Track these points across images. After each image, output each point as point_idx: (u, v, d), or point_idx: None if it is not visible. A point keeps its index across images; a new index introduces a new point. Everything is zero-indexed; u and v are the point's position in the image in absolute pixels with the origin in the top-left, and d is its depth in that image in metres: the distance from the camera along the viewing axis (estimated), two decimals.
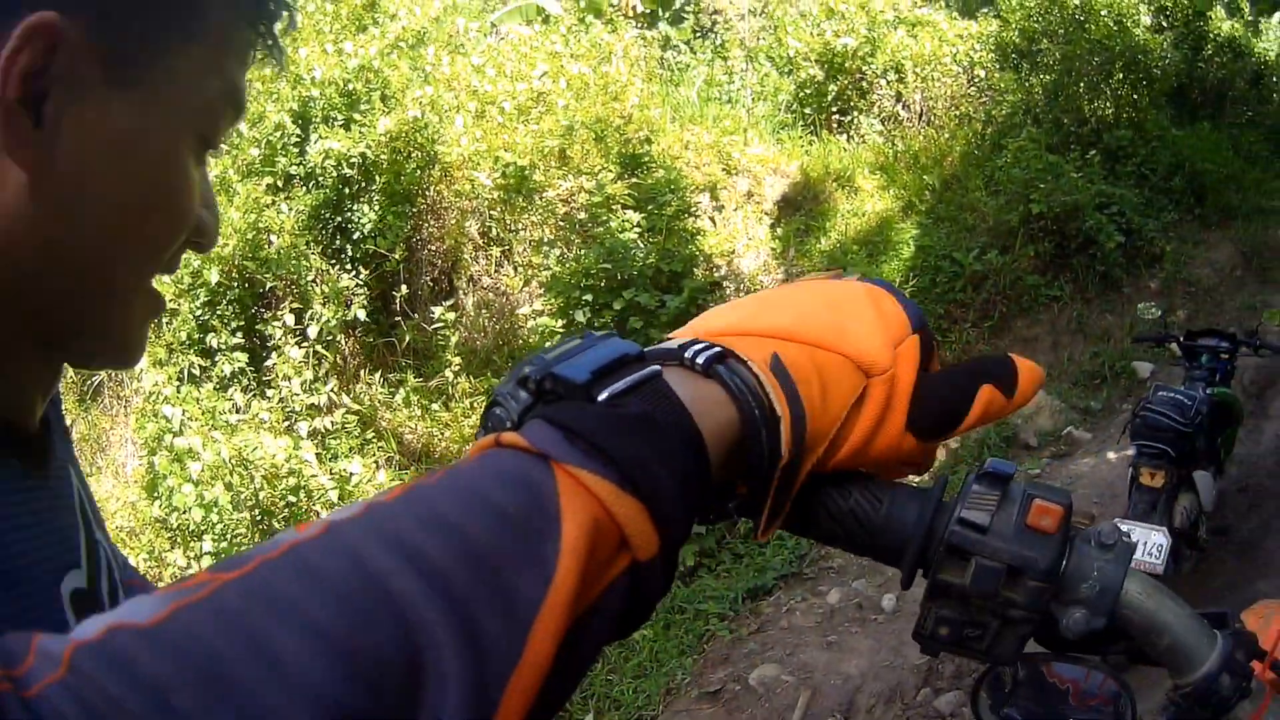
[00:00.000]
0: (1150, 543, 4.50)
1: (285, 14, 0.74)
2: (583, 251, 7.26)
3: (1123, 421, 5.35)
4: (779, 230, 8.71)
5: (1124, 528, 4.22)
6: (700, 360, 0.62)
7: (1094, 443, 7.88)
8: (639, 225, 7.54)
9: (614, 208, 7.64)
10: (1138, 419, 5.05)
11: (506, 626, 0.44)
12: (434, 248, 7.93)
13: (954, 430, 0.74)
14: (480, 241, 7.60)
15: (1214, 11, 14.17)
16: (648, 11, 13.73)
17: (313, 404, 6.72)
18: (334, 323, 7.00)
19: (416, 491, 0.47)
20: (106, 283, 0.68)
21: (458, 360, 7.05)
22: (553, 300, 7.02)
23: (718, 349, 0.62)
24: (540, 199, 7.64)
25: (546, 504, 0.48)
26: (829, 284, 0.74)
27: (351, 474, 6.24)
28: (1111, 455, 7.25)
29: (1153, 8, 13.39)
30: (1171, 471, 4.89)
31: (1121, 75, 11.68)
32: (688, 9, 14.25)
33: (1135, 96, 11.83)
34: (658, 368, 0.58)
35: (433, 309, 7.18)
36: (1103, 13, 11.77)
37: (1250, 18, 13.89)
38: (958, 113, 11.41)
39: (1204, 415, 5.14)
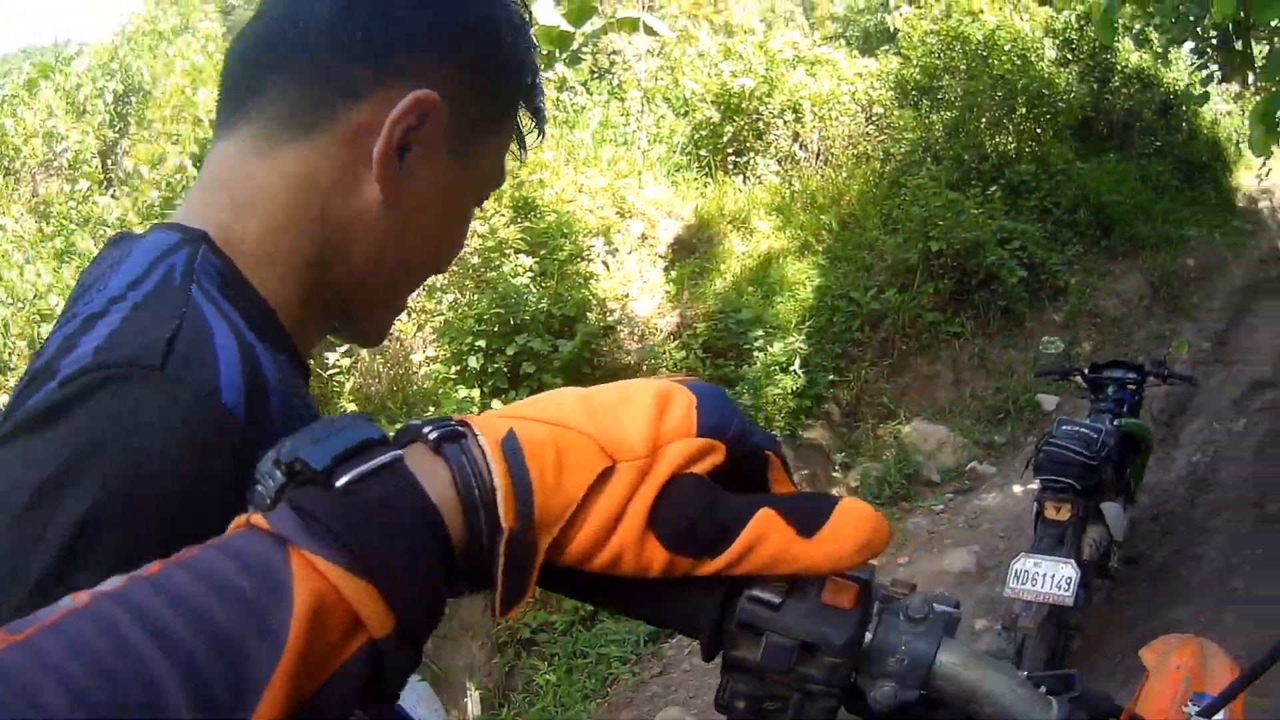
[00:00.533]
0: (1059, 576, 4.61)
1: (540, 124, 1.11)
2: (476, 297, 7.36)
3: (1027, 455, 5.51)
4: (673, 273, 8.87)
5: (1030, 562, 4.39)
6: (432, 438, 0.65)
7: (999, 477, 8.08)
8: (531, 270, 7.66)
9: (506, 252, 7.78)
10: (1040, 453, 5.15)
11: (237, 696, 0.49)
12: None
13: (716, 552, 0.68)
14: None
15: (1122, 43, 14.57)
16: (546, 52, 14.07)
17: None
18: None
19: (167, 571, 0.52)
20: (399, 288, 1.06)
21: (353, 406, 7.09)
22: (446, 346, 7.12)
23: (451, 427, 0.66)
24: None
25: (279, 586, 0.53)
26: (634, 381, 0.74)
27: None
28: (1017, 489, 7.50)
29: (1058, 41, 13.85)
30: (1078, 504, 5.01)
31: (1025, 110, 12.07)
32: (585, 50, 14.55)
33: (1039, 130, 12.25)
34: (399, 453, 0.62)
35: (328, 355, 7.23)
36: (1006, 47, 12.14)
37: (1160, 49, 14.26)
38: (855, 152, 11.61)
39: (1111, 447, 5.27)
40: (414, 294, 1.21)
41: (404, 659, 0.60)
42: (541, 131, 1.10)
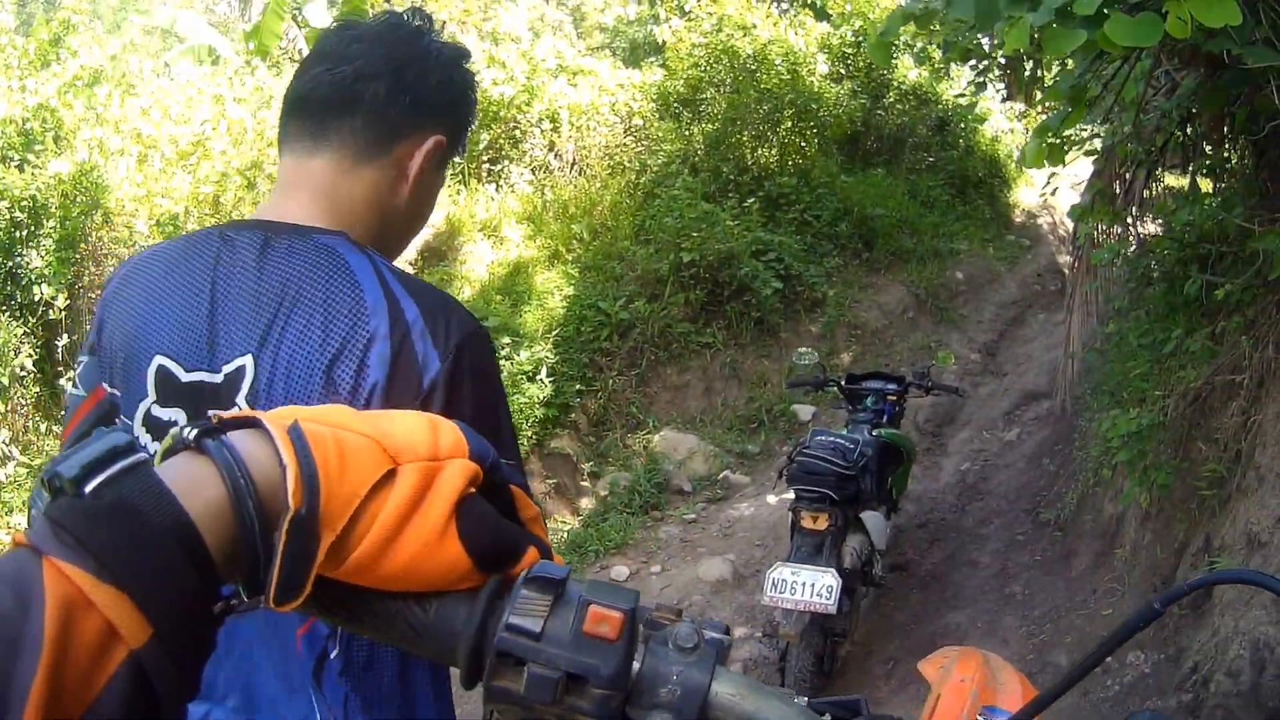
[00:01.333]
0: (819, 584, 4.74)
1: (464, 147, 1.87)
2: None
3: (781, 465, 5.58)
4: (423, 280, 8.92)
5: (788, 571, 4.75)
6: (192, 437, 0.71)
7: (753, 486, 8.41)
8: None
9: None
10: (794, 463, 5.29)
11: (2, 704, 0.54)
12: (94, 295, 7.88)
13: (505, 568, 0.81)
14: None
15: (900, 60, 15.22)
16: None
17: None
18: (4, 373, 7.09)
19: None
20: (401, 249, 1.84)
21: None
22: None
23: (211, 424, 0.73)
24: None
25: (30, 595, 0.58)
26: (412, 410, 0.87)
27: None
28: (771, 499, 7.78)
29: (832, 57, 14.36)
30: (836, 513, 5.13)
31: (791, 123, 12.59)
32: None
33: (804, 144, 12.77)
34: (143, 456, 0.66)
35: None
36: (777, 62, 12.70)
37: (940, 65, 14.91)
38: (612, 162, 11.96)
39: (869, 457, 5.47)
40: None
41: (173, 674, 0.64)
42: (464, 150, 1.89)
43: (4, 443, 6.96)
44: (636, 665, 0.78)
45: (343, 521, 0.72)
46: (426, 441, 0.80)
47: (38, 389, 7.51)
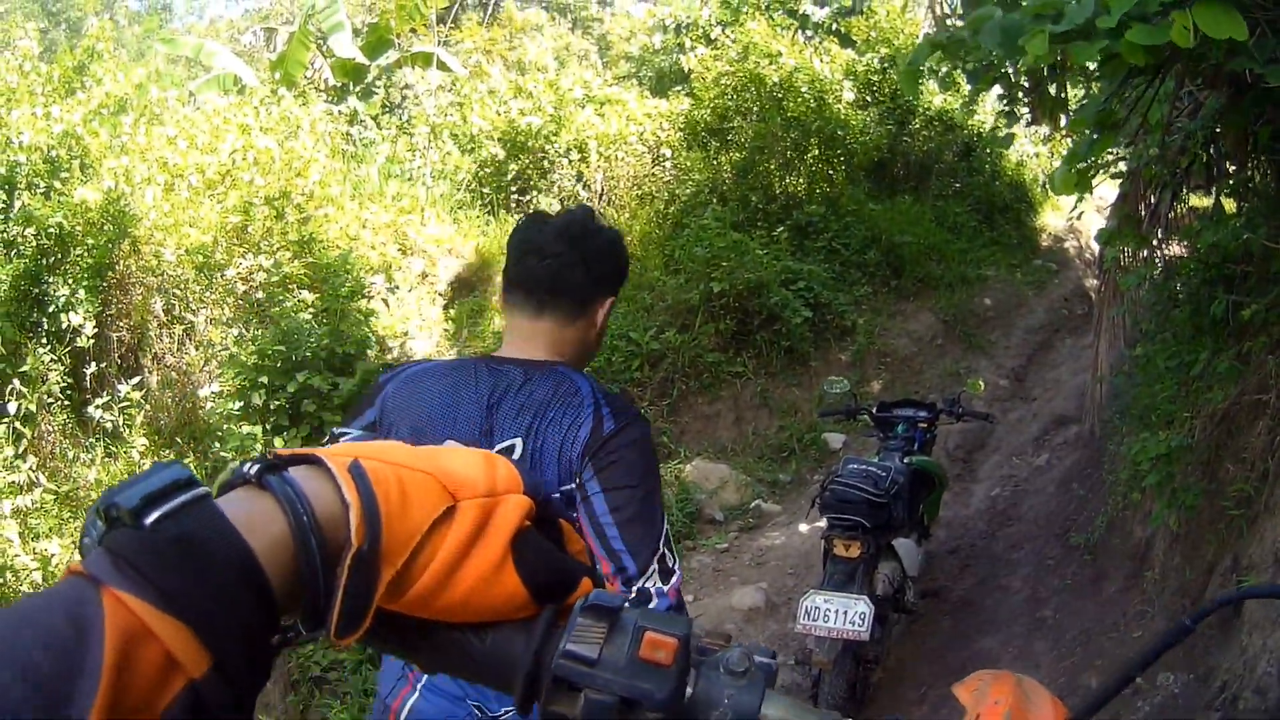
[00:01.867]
0: (852, 611, 4.76)
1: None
2: (260, 332, 7.46)
3: (813, 493, 5.60)
4: (452, 311, 9.12)
5: (821, 599, 4.79)
6: (253, 473, 0.72)
7: (784, 515, 8.39)
8: (313, 306, 7.81)
9: (290, 287, 7.90)
10: (827, 492, 5.32)
11: None
12: (122, 324, 8.05)
13: (560, 599, 0.84)
14: (164, 319, 7.79)
15: (925, 86, 14.99)
16: (339, 85, 14.18)
17: (13, 481, 6.75)
18: (33, 399, 7.11)
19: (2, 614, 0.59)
20: (593, 359, 2.71)
21: (143, 440, 7.21)
22: (231, 381, 7.19)
23: (272, 459, 0.74)
24: (221, 277, 7.85)
25: (90, 625, 0.58)
26: (465, 446, 0.89)
27: (52, 554, 6.31)
28: (803, 527, 7.79)
29: (858, 84, 14.42)
30: (868, 541, 5.16)
31: (818, 151, 12.68)
32: (378, 83, 14.70)
33: (831, 172, 12.87)
34: (204, 490, 0.67)
35: (119, 386, 7.32)
36: (803, 90, 12.72)
37: (966, 91, 14.87)
38: (640, 192, 12.05)
39: (901, 485, 5.49)
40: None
41: (231, 703, 0.65)
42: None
43: (31, 469, 6.94)
44: (689, 690, 0.81)
45: (404, 557, 0.75)
46: (484, 477, 0.82)
47: (64, 416, 7.54)
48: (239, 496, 0.71)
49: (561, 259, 2.35)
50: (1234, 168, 5.29)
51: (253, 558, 0.66)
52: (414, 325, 8.58)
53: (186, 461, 6.38)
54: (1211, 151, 5.36)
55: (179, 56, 14.46)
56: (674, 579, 2.24)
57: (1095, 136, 4.37)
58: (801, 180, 12.63)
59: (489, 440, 2.26)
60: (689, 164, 12.35)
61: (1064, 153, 4.87)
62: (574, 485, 2.26)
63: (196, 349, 7.64)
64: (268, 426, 6.97)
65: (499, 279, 7.47)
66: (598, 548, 2.26)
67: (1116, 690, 1.11)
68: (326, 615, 0.73)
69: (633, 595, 2.27)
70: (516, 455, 2.24)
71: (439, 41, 15.93)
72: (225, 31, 22.75)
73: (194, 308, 7.76)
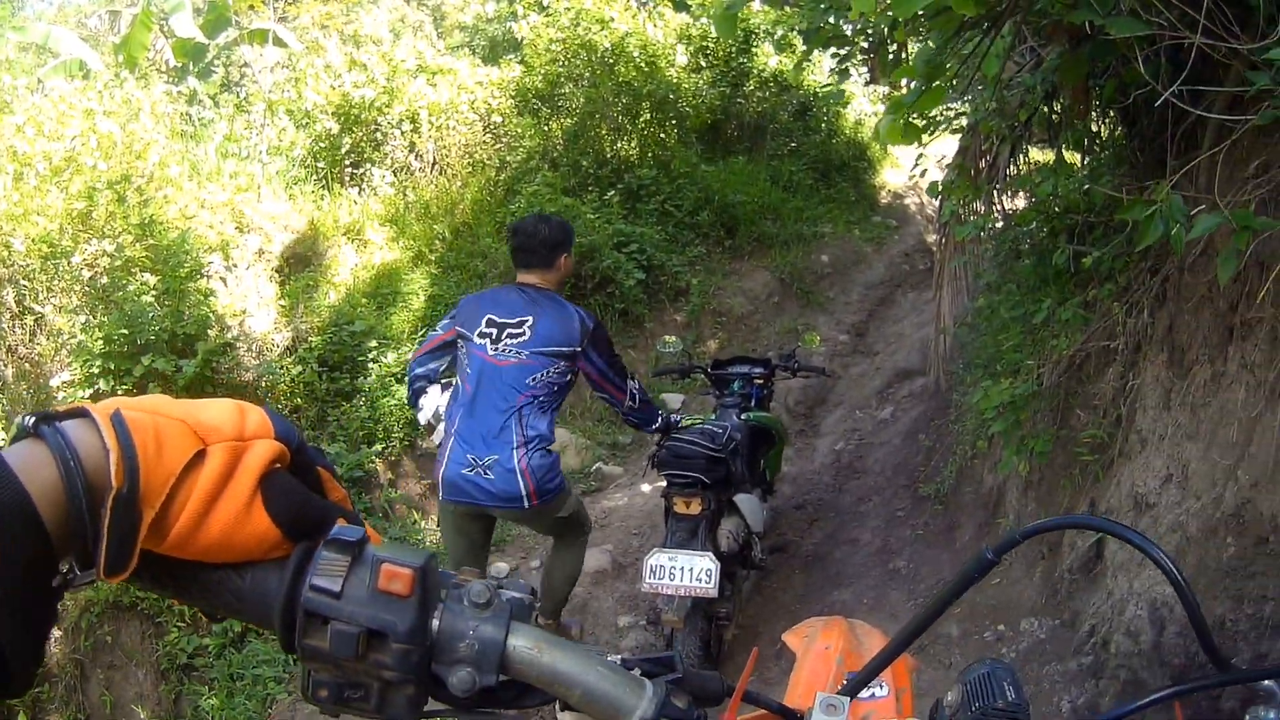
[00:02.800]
0: (698, 568, 4.81)
1: None
2: (104, 318, 7.43)
3: (652, 453, 5.63)
4: (287, 287, 9.04)
5: (665, 557, 4.85)
6: (30, 424, 0.78)
7: (625, 476, 8.56)
8: (155, 288, 7.70)
9: (133, 270, 7.83)
10: (663, 449, 5.36)
11: None
12: None
13: (314, 537, 0.88)
14: (16, 310, 7.62)
15: (760, 48, 15.38)
16: (179, 65, 13.93)
17: None
18: None
19: None
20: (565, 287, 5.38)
21: (1, 434, 6.99)
22: (80, 369, 7.19)
23: (48, 412, 0.79)
24: (68, 264, 7.77)
25: None
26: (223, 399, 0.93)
27: None
28: (645, 488, 7.92)
29: (691, 48, 14.49)
30: (708, 498, 5.21)
31: (650, 115, 12.75)
32: (217, 62, 14.60)
33: (663, 135, 12.95)
34: None
35: None
36: (635, 55, 12.78)
37: (801, 55, 14.88)
38: (471, 161, 11.96)
39: (738, 440, 5.53)
40: None
41: (18, 641, 0.70)
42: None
43: None
44: (436, 623, 0.84)
45: (161, 498, 0.79)
46: (233, 423, 0.87)
47: None
48: (18, 447, 0.77)
49: (541, 238, 4.85)
50: (1076, 120, 5.33)
51: (29, 501, 0.72)
52: (252, 303, 8.57)
53: None
54: (1053, 105, 5.42)
55: (29, 44, 14.21)
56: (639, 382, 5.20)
57: (923, 87, 4.31)
58: (633, 144, 12.73)
59: (517, 315, 4.72)
60: (519, 131, 12.38)
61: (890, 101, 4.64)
62: (578, 350, 4.74)
63: (47, 339, 7.54)
64: None
65: (331, 252, 7.57)
66: (606, 382, 4.94)
67: (928, 622, 1.15)
68: (96, 555, 0.77)
69: (632, 392, 5.09)
70: (529, 324, 4.67)
71: (276, 17, 15.74)
72: (74, 16, 22.25)
73: (42, 297, 7.63)
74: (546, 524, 5.14)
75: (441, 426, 4.87)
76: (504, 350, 4.67)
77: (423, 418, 4.99)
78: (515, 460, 4.61)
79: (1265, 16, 3.05)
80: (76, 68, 12.43)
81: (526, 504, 4.66)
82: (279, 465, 0.89)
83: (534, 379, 4.67)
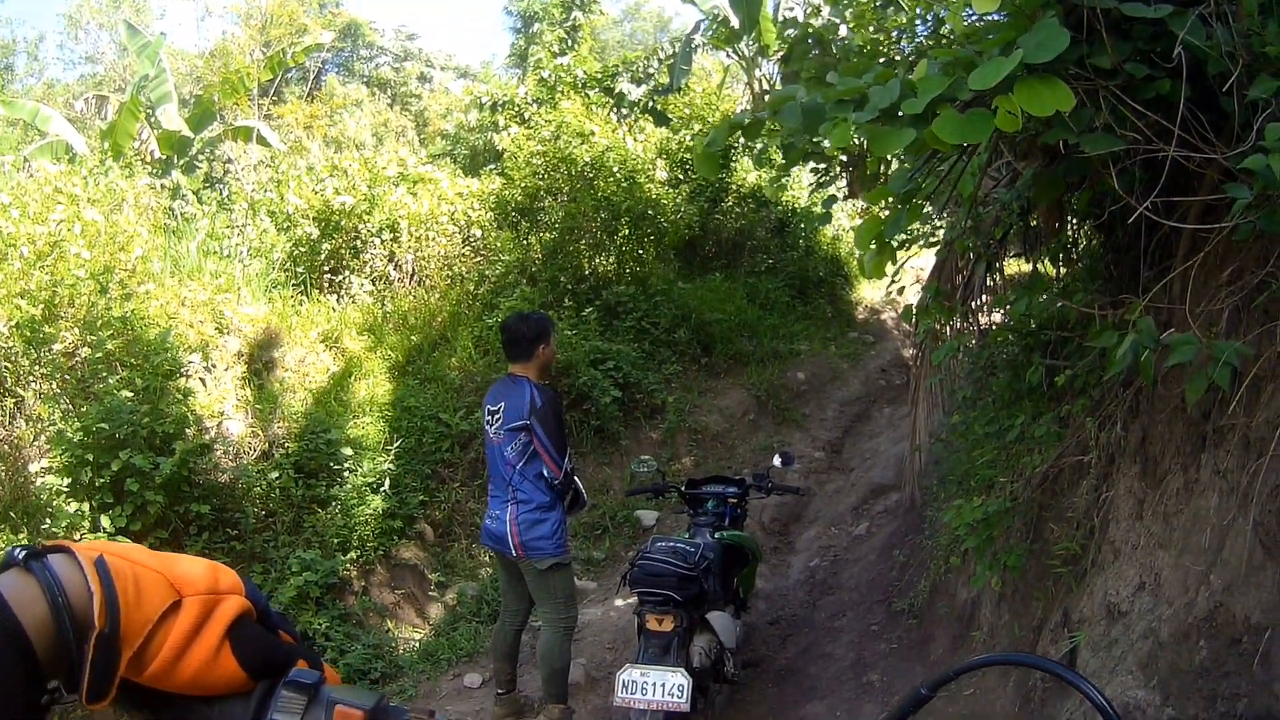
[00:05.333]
0: (670, 683, 4.98)
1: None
2: (84, 408, 7.47)
3: (625, 570, 5.88)
4: (265, 391, 9.08)
5: (637, 672, 4.98)
6: (20, 557, 0.86)
7: (600, 591, 8.67)
8: (135, 384, 7.75)
9: (113, 364, 7.88)
10: (635, 568, 5.57)
11: None
12: None
13: (278, 675, 1.00)
14: None
15: (740, 162, 15.68)
16: (164, 158, 14.17)
17: None
18: None
19: None
20: (549, 377, 6.75)
21: None
22: (59, 457, 7.18)
23: (36, 549, 0.88)
24: (49, 351, 7.75)
25: None
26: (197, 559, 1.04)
27: None
28: (619, 602, 8.01)
29: (671, 162, 14.72)
30: (681, 615, 5.36)
31: (628, 231, 12.87)
32: (201, 157, 14.76)
33: (641, 251, 13.09)
34: None
35: None
36: (615, 169, 12.91)
37: (780, 172, 15.27)
38: (450, 273, 12.17)
39: (711, 559, 5.72)
40: None
41: None
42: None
43: None
44: None
45: (140, 640, 0.90)
46: (206, 580, 1.00)
47: None
48: (8, 578, 0.85)
49: (522, 332, 5.98)
50: (1052, 236, 5.42)
51: (21, 629, 0.81)
52: (230, 405, 8.65)
53: (20, 537, 6.75)
54: (1029, 220, 5.51)
55: (17, 120, 14.34)
56: (572, 462, 6.05)
57: (901, 211, 4.41)
58: (611, 260, 12.91)
59: (498, 401, 5.99)
60: (499, 244, 12.57)
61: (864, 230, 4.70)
62: (527, 423, 5.80)
63: (26, 423, 7.57)
64: (94, 504, 7.01)
65: (310, 359, 7.81)
66: (545, 453, 5.85)
67: None
68: (79, 683, 0.86)
69: (566, 470, 5.92)
70: (502, 407, 5.92)
71: (261, 115, 15.94)
72: (61, 96, 22.60)
73: (23, 381, 7.69)
74: (533, 582, 6.14)
75: None
76: (494, 430, 6.06)
77: None
78: (507, 515, 6.01)
79: (1241, 123, 3.09)
80: (63, 150, 12.64)
81: (513, 553, 5.99)
82: (247, 618, 1.02)
83: (510, 450, 5.98)
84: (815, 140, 4.14)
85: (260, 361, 9.34)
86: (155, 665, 0.92)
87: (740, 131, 4.45)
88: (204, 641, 0.95)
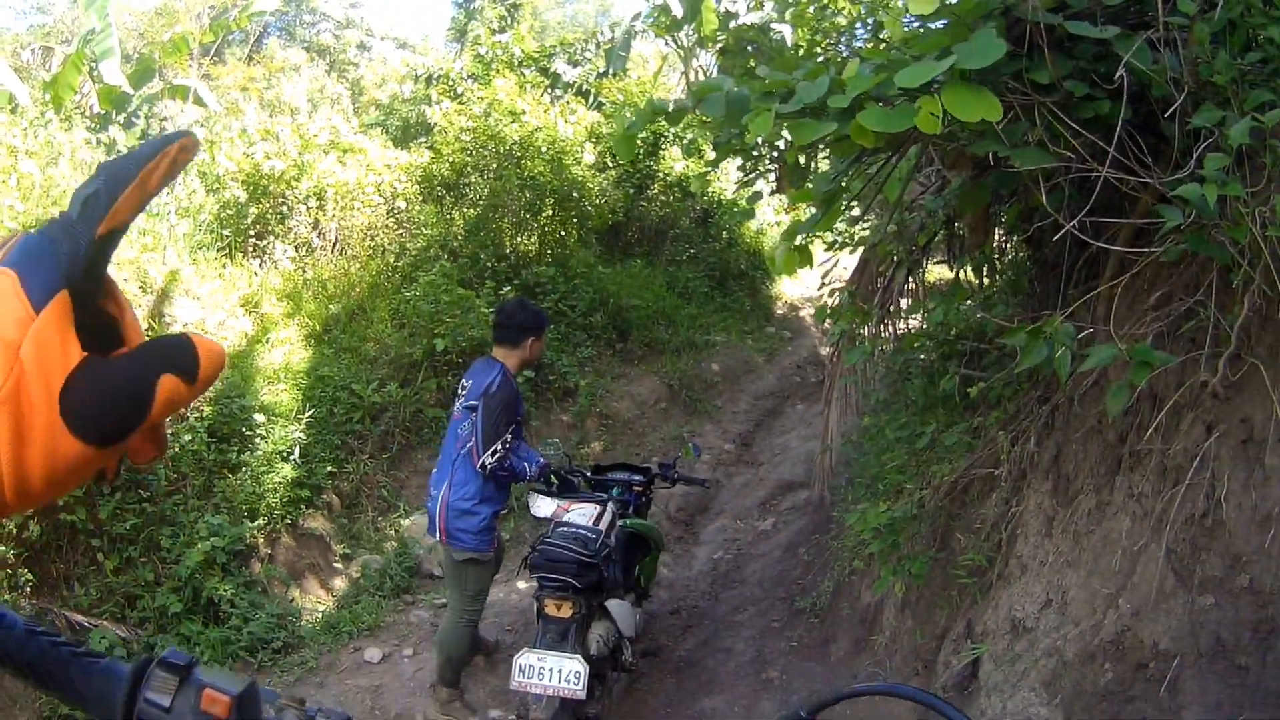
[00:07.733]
0: (566, 670, 4.99)
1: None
2: None
3: (527, 553, 5.90)
4: None
5: (534, 657, 4.92)
6: None
7: (502, 573, 8.05)
8: None
9: None
10: (535, 552, 5.55)
11: None
12: None
13: (132, 432, 0.71)
14: None
15: (668, 151, 15.61)
16: (103, 112, 13.84)
17: None
18: None
19: None
20: (528, 366, 7.42)
21: None
22: None
23: None
24: None
25: None
26: None
27: None
28: (521, 585, 7.96)
29: (601, 147, 14.54)
30: (580, 602, 5.36)
31: (552, 212, 12.82)
32: (139, 113, 14.54)
33: (563, 233, 13.01)
34: None
35: None
36: (543, 149, 12.80)
37: (709, 164, 15.02)
38: (372, 243, 11.98)
39: (612, 547, 5.72)
40: None
41: None
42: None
43: None
44: None
45: None
46: None
47: None
48: None
49: (516, 320, 6.05)
50: (975, 246, 5.40)
51: None
52: None
53: None
54: (954, 228, 5.52)
55: None
56: (497, 455, 5.82)
57: (819, 215, 4.41)
58: (533, 240, 12.85)
59: (471, 379, 6.06)
60: (422, 218, 12.46)
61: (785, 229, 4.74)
62: (476, 404, 5.81)
63: None
64: None
65: (228, 320, 7.69)
66: (475, 438, 5.80)
67: None
68: None
69: (484, 462, 5.76)
70: (469, 386, 6.03)
71: (200, 75, 15.73)
72: (10, 45, 21.97)
73: None
74: (449, 568, 6.18)
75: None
76: (457, 406, 6.13)
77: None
78: (440, 495, 6.00)
79: (1180, 149, 3.08)
80: (6, 99, 12.35)
81: (437, 535, 6.02)
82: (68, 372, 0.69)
83: (463, 428, 5.98)
84: (742, 135, 3.88)
85: (180, 323, 9.10)
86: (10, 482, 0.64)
87: (664, 118, 4.40)
88: (36, 430, 0.66)
